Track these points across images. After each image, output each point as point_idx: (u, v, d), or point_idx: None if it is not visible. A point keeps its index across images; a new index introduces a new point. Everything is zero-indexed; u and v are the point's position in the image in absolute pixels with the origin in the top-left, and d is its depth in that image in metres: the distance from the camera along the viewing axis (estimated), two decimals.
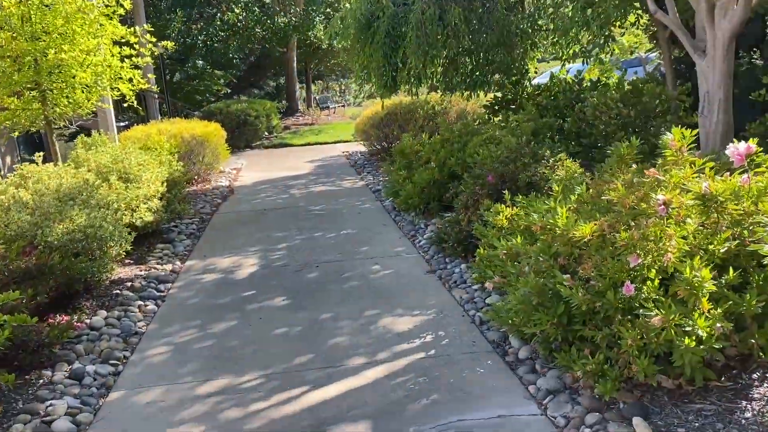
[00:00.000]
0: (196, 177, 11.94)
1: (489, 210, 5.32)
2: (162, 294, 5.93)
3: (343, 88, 40.26)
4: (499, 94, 10.82)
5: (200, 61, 20.42)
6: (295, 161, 15.01)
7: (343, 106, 32.28)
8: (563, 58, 10.70)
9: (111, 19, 8.94)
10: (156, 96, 17.72)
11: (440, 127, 8.96)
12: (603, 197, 4.02)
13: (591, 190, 4.33)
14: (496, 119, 10.22)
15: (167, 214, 7.91)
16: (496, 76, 10.21)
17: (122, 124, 16.28)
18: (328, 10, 22.83)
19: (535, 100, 10.13)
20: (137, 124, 13.67)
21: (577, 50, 10.74)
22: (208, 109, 18.26)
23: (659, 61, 13.36)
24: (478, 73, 10.08)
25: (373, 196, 9.98)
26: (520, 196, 5.42)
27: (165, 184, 7.91)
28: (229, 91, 25.38)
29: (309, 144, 18.23)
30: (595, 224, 3.68)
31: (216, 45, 20.89)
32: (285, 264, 6.61)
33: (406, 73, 10.35)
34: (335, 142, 18.20)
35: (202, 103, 22.74)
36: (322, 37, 24.31)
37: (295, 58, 26.08)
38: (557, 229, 3.82)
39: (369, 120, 13.58)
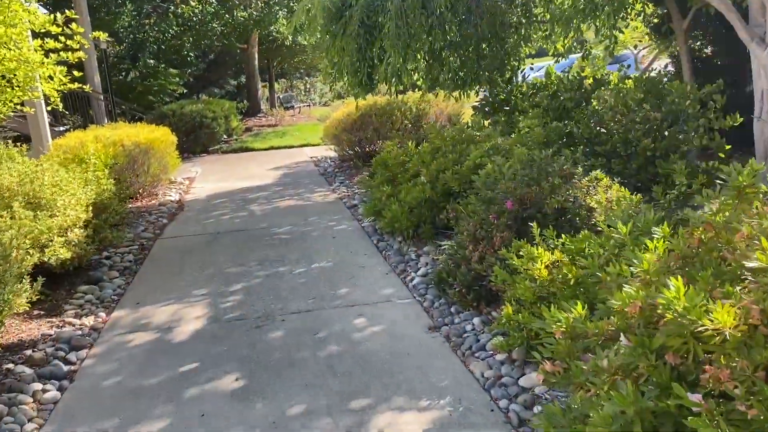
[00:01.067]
0: (140, 191, 10.28)
1: (517, 252, 3.88)
2: (72, 368, 4.35)
3: (308, 86, 38.60)
4: (480, 94, 9.47)
5: (151, 60, 18.60)
6: (257, 168, 13.41)
7: (309, 105, 30.67)
8: (557, 52, 9.35)
9: (28, 3, 7.36)
10: (101, 98, 15.93)
11: (429, 133, 7.50)
12: (724, 254, 2.59)
13: (690, 238, 2.90)
14: (487, 123, 8.82)
15: (95, 245, 6.30)
16: (487, 73, 8.79)
17: (61, 128, 14.51)
18: (291, 3, 21.21)
19: (532, 100, 8.76)
20: (81, 129, 11.99)
21: (571, 44, 9.45)
22: (160, 111, 16.52)
23: (659, 58, 12.13)
24: (466, 70, 8.64)
25: (348, 214, 8.47)
26: (551, 229, 4.01)
27: (92, 207, 6.30)
28: (185, 91, 23.56)
29: (273, 148, 16.62)
30: (737, 308, 2.25)
31: (170, 41, 19.10)
32: (240, 316, 5.07)
33: (384, 70, 8.88)
34: (302, 146, 16.62)
35: (155, 105, 20.95)
36: (285, 32, 22.70)
37: (256, 56, 24.40)
38: (668, 312, 2.38)
39: (340, 123, 12.07)
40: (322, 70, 10.29)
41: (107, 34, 9.62)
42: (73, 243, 5.72)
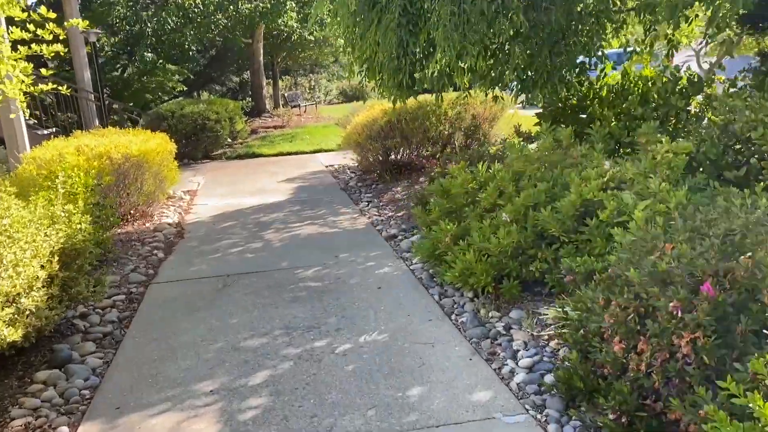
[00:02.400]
0: (131, 212, 8.53)
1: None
2: None
3: (312, 84, 36.85)
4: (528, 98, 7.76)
5: (149, 54, 16.82)
6: (267, 179, 11.66)
7: (315, 104, 28.92)
8: (645, 47, 7.65)
9: None
10: (91, 97, 14.17)
11: (507, 150, 5.75)
12: None
13: None
14: (549, 133, 7.15)
15: (63, 305, 4.57)
16: (563, 71, 7.04)
17: (45, 132, 12.76)
18: None
19: (616, 104, 7.06)
20: (74, 131, 10.34)
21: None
22: (157, 112, 14.76)
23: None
24: (535, 68, 6.89)
25: (388, 249, 6.73)
26: None
27: (59, 256, 4.57)
28: (185, 88, 21.81)
29: (282, 154, 14.86)
30: None
31: (169, 34, 17.32)
32: None
33: (433, 67, 7.15)
34: (315, 152, 14.88)
35: (153, 104, 19.21)
36: (312, 21, 20.93)
37: (261, 51, 22.61)
38: None
39: (365, 129, 10.31)
40: (345, 68, 8.44)
41: (91, 25, 7.88)
42: (28, 312, 4.00)
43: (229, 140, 16.04)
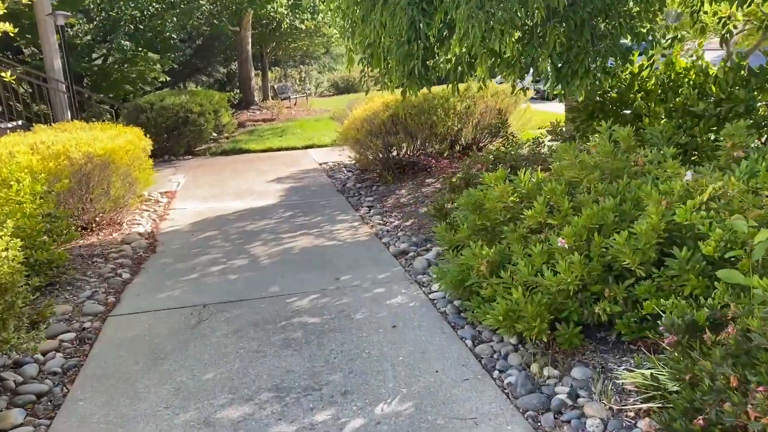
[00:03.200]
0: (97, 219, 7.34)
1: None
2: None
3: (303, 75, 35.54)
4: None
5: (126, 42, 15.51)
6: (254, 179, 10.47)
7: (306, 96, 27.68)
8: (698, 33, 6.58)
9: None
10: (64, 88, 12.90)
11: (554, 157, 4.59)
12: None
13: None
14: (606, 132, 6.05)
15: None
16: (601, 59, 5.90)
17: (9, 125, 11.51)
18: None
19: (667, 98, 5.96)
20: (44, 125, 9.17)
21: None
22: (135, 104, 13.49)
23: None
24: (574, 54, 5.74)
25: (399, 269, 5.59)
26: None
27: None
28: (168, 79, 20.50)
29: (272, 150, 13.65)
30: None
31: (149, 21, 16.02)
32: None
33: (452, 53, 6.03)
34: (306, 148, 13.68)
35: (133, 95, 17.91)
36: (285, 12, 19.67)
37: (250, 40, 21.32)
38: None
39: (364, 124, 9.14)
40: (338, 59, 7.26)
41: (64, 7, 6.70)
42: None
43: (214, 134, 14.81)
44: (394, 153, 9.45)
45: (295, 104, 24.67)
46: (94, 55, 20.29)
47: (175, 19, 16.89)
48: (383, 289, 5.07)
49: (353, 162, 10.99)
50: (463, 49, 5.72)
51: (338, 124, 11.30)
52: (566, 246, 3.73)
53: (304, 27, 22.36)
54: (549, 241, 3.89)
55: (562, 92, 5.78)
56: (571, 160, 4.14)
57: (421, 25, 6.08)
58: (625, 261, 3.54)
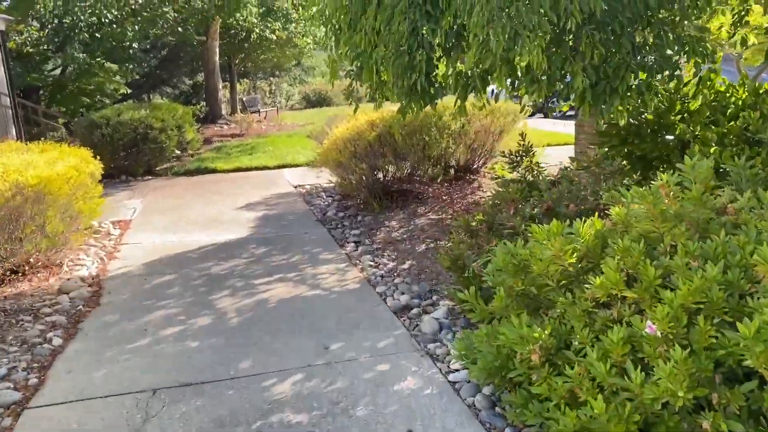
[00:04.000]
0: (29, 261, 6.08)
1: None
2: None
3: (273, 88, 34.29)
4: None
5: (80, 54, 14.16)
6: (221, 204, 9.26)
7: (276, 109, 26.46)
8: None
9: None
10: (8, 102, 11.53)
11: (607, 198, 3.48)
12: None
13: None
14: (693, 167, 5.06)
15: None
16: (645, 73, 4.88)
17: None
18: None
19: (717, 121, 4.99)
20: None
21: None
22: (89, 120, 12.17)
23: None
24: (614, 65, 4.71)
25: (400, 327, 4.48)
26: None
27: None
28: (130, 91, 19.17)
29: (241, 170, 12.43)
30: None
31: (107, 29, 14.71)
32: None
33: (469, 65, 4.99)
34: (279, 167, 12.49)
35: (92, 109, 16.53)
36: (255, 21, 18.48)
37: (217, 50, 20.07)
38: None
39: (347, 145, 8.03)
40: (328, 65, 6.14)
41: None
42: None
43: (177, 152, 13.53)
44: (381, 176, 8.34)
45: (264, 118, 23.47)
46: (50, 66, 18.90)
47: (136, 27, 15.58)
48: (387, 366, 3.94)
49: (333, 186, 9.86)
50: (476, 60, 4.65)
51: (316, 143, 10.17)
52: (658, 333, 2.65)
53: (274, 37, 21.20)
54: (629, 323, 2.81)
55: (600, 114, 4.74)
56: (648, 207, 3.09)
57: (424, 32, 5.01)
58: (747, 359, 2.48)
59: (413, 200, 8.23)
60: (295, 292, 5.42)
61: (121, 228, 8.11)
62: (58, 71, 18.25)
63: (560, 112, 16.00)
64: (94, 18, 14.37)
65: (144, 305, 5.27)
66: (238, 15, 16.04)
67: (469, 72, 5.22)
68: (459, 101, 5.42)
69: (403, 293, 5.18)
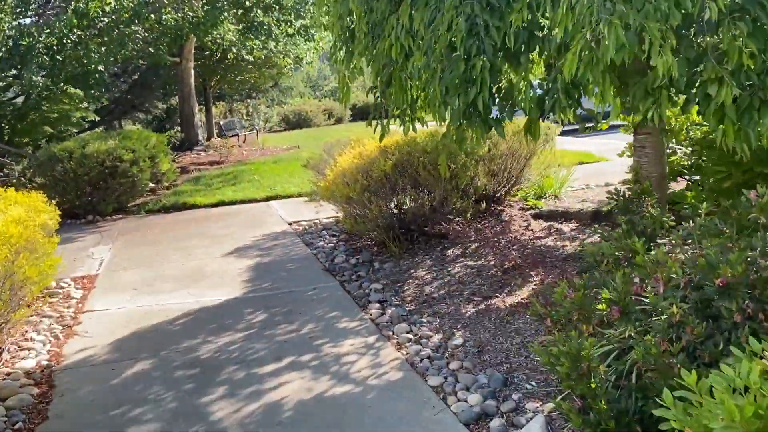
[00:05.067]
0: None
1: None
2: None
3: (250, 110, 32.74)
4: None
5: (39, 78, 12.56)
6: (205, 250, 7.75)
7: (256, 132, 24.96)
8: None
9: None
10: None
11: None
12: None
13: None
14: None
15: None
16: None
17: None
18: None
19: None
20: None
21: None
22: (49, 153, 10.58)
23: None
24: (759, 69, 3.36)
25: None
26: None
27: None
28: (98, 118, 17.56)
29: (224, 203, 10.91)
30: None
31: (70, 51, 13.14)
32: None
33: (561, 76, 3.60)
34: (267, 199, 10.99)
35: (55, 140, 14.89)
36: (233, 39, 17.04)
37: (192, 72, 18.57)
38: None
39: (357, 177, 6.59)
40: (339, 83, 4.64)
41: None
42: None
43: (152, 185, 11.97)
44: (398, 212, 6.91)
45: (243, 141, 21.97)
46: (11, 94, 17.23)
47: (103, 49, 14.01)
48: None
49: (335, 222, 8.41)
50: (575, 68, 3.26)
51: (314, 174, 8.71)
52: None
53: (252, 58, 19.75)
54: None
55: (744, 138, 3.36)
56: None
57: (487, 31, 3.61)
58: None
59: (435, 239, 6.81)
60: (317, 389, 3.94)
61: (85, 287, 6.56)
62: (21, 99, 16.64)
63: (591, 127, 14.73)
64: (53, 39, 12.79)
65: (108, 417, 3.76)
66: (214, 32, 14.56)
67: (548, 84, 3.82)
68: (530, 123, 4.01)
69: (468, 388, 3.73)
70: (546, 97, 3.81)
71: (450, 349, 4.31)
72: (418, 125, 5.12)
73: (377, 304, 5.34)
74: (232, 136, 22.21)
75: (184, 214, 10.38)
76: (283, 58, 18.42)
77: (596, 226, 6.69)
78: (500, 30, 3.68)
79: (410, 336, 4.60)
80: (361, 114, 34.30)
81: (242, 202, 10.91)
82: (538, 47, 3.75)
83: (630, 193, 4.81)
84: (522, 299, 4.94)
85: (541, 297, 4.69)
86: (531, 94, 3.86)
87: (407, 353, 4.35)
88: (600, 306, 2.83)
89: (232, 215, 9.95)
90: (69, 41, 13.14)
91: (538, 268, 5.47)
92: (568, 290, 3.34)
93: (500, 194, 8.22)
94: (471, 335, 4.47)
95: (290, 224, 8.92)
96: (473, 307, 4.98)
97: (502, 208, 7.99)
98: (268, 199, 10.96)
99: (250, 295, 5.96)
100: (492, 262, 5.86)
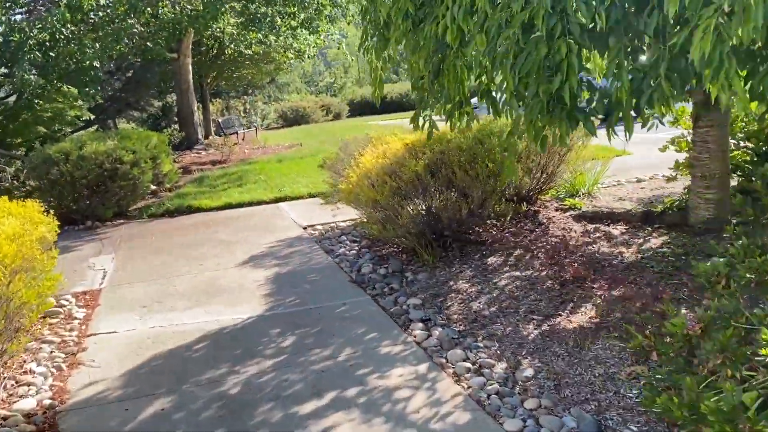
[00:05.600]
0: None
1: None
2: None
3: (247, 107, 31.99)
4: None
5: (31, 75, 11.85)
6: (217, 259, 7.10)
7: (255, 129, 24.25)
8: None
9: None
10: None
11: None
12: None
13: None
14: None
15: None
16: None
17: None
18: None
19: None
20: None
21: None
22: (43, 156, 9.90)
23: None
24: None
25: None
26: None
27: None
28: (92, 117, 16.83)
29: (231, 206, 10.24)
30: None
31: (63, 47, 12.42)
32: None
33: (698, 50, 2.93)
34: (276, 201, 10.33)
35: (51, 139, 14.20)
36: (233, 33, 16.33)
37: (190, 68, 17.87)
38: None
39: (384, 178, 5.95)
40: (371, 75, 3.98)
41: None
42: None
43: (153, 187, 11.30)
44: (428, 216, 6.27)
45: (242, 139, 21.25)
46: (1, 93, 16.48)
47: (97, 44, 13.28)
48: None
49: (353, 226, 7.78)
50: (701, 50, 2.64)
51: (330, 174, 8.07)
52: None
53: (250, 53, 19.03)
54: None
55: None
56: None
57: (576, 7, 2.99)
58: None
59: (473, 247, 6.18)
60: None
61: (88, 305, 5.91)
62: (13, 97, 15.89)
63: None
64: (45, 34, 12.06)
65: None
66: (214, 26, 13.84)
67: (644, 71, 3.18)
68: (618, 118, 3.38)
69: None
70: (642, 86, 3.18)
71: (520, 382, 3.69)
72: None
73: (420, 324, 4.71)
74: (231, 134, 21.50)
75: (189, 218, 9.71)
76: (284, 52, 17.71)
77: (648, 228, 6.09)
78: (589, 6, 3.05)
79: (468, 365, 3.97)
80: (360, 109, 33.60)
81: (250, 204, 10.25)
82: (635, 24, 3.11)
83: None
84: (591, 318, 4.32)
85: (619, 316, 4.08)
86: (621, 82, 3.22)
87: (469, 387, 3.72)
88: (764, 351, 2.21)
89: (242, 219, 9.29)
90: (62, 37, 12.41)
91: (600, 280, 4.85)
92: (686, 321, 2.72)
93: (533, 194, 7.61)
94: (542, 364, 3.85)
95: (305, 228, 8.28)
96: (534, 328, 4.36)
97: (536, 208, 7.37)
98: (277, 200, 10.30)
99: (273, 312, 5.32)
100: (544, 272, 5.24)
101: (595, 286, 4.79)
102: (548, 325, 4.35)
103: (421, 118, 4.62)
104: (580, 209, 7.08)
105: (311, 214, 8.94)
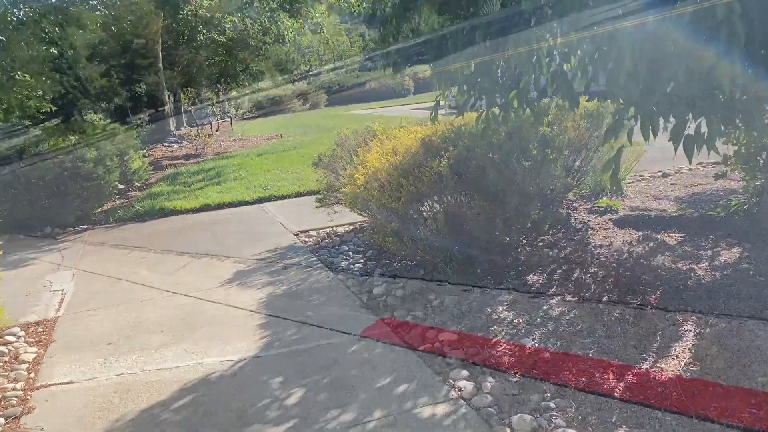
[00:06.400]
0: None
1: None
2: None
3: (221, 96, 30.51)
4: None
5: None
6: (198, 278, 5.99)
7: (230, 119, 22.96)
8: None
9: None
10: None
11: None
12: None
13: None
14: None
15: None
16: None
17: None
18: None
19: None
20: None
21: None
22: None
23: None
24: None
25: None
26: None
27: None
28: (52, 108, 15.40)
29: (210, 207, 9.09)
30: None
31: (14, 28, 11.09)
32: None
33: None
34: (260, 201, 9.21)
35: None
36: (206, 15, 14.97)
37: (160, 54, 16.55)
38: None
39: (399, 180, 4.90)
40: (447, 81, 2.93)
41: None
42: None
43: (121, 186, 10.09)
44: (453, 225, 5.24)
45: (217, 130, 20.00)
46: None
47: (56, 29, 11.94)
48: None
49: (351, 231, 6.74)
50: None
51: (326, 173, 6.99)
52: None
53: (223, 39, 17.75)
54: None
55: None
56: None
57: None
58: None
59: (503, 261, 5.18)
60: None
61: (40, 341, 4.78)
62: None
63: None
64: None
65: None
66: (186, 9, 12.56)
67: None
68: None
69: None
70: None
71: None
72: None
73: (464, 372, 3.68)
74: (204, 125, 20.22)
75: (163, 223, 8.55)
76: (263, 35, 16.47)
77: (711, 237, 5.15)
78: None
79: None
80: (339, 99, 32.42)
81: (231, 205, 9.12)
82: None
83: None
84: (688, 365, 3.34)
85: (723, 366, 3.10)
86: None
87: None
88: None
89: (222, 223, 8.17)
90: (14, 18, 11.07)
91: (684, 310, 3.87)
92: None
93: (553, 195, 6.62)
94: (627, 427, 2.86)
95: (297, 235, 7.20)
96: (615, 379, 3.36)
97: (564, 210, 6.39)
98: (261, 200, 9.19)
99: (271, 352, 4.25)
100: (605, 297, 4.25)
101: (679, 318, 3.81)
102: (633, 375, 3.35)
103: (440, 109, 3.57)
104: (618, 211, 6.12)
105: (302, 217, 7.85)
